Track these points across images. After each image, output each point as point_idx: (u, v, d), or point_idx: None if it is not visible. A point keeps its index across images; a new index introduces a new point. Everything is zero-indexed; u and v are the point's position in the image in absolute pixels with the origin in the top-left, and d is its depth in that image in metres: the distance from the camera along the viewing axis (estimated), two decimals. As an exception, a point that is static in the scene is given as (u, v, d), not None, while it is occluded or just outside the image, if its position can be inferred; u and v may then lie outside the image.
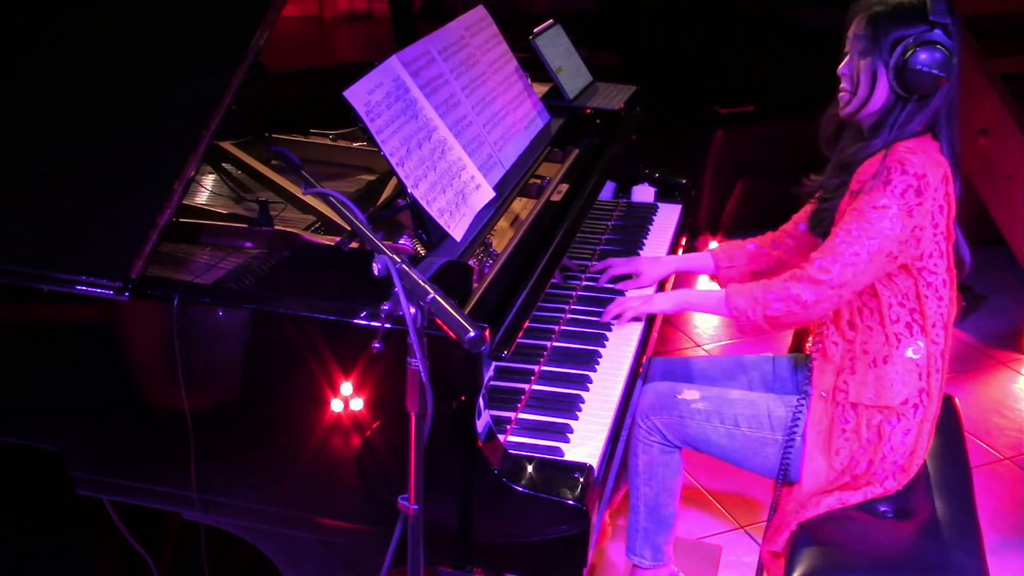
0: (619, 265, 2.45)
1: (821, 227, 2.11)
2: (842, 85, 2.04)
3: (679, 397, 2.17)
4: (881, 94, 1.97)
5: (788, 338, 2.70)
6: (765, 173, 4.63)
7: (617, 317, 2.24)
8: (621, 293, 2.39)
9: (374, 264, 1.49)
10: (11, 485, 2.55)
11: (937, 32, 1.90)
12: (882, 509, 2.05)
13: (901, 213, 1.91)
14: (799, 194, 2.23)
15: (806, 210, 2.29)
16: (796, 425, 2.09)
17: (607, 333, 2.21)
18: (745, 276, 2.43)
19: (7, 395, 1.93)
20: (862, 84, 1.98)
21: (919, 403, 2.03)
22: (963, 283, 4.23)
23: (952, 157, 1.98)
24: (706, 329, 4.04)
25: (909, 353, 2.02)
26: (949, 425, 2.29)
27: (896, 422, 2.02)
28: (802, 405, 2.10)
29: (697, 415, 2.15)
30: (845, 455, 2.04)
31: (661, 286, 2.47)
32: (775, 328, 2.07)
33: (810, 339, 2.23)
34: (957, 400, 2.38)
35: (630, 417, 2.16)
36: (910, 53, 1.90)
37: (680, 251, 2.81)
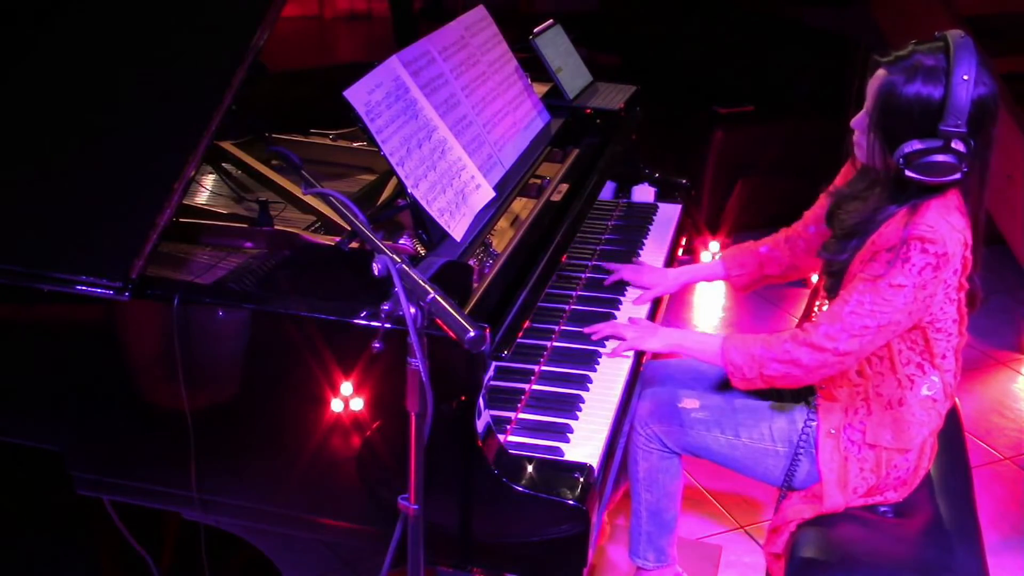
0: (627, 272, 2.42)
1: (830, 285, 2.03)
2: (855, 135, 1.95)
3: (679, 406, 2.16)
4: (891, 166, 1.87)
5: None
6: (765, 173, 4.64)
7: (606, 338, 2.17)
8: (621, 294, 2.39)
9: (374, 264, 1.49)
10: (11, 485, 2.55)
11: (952, 143, 1.78)
12: (883, 509, 2.05)
13: (915, 289, 1.83)
14: (820, 191, 2.16)
15: (815, 212, 2.25)
16: (803, 440, 2.07)
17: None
18: (756, 280, 2.41)
19: (7, 395, 1.93)
20: (873, 154, 1.89)
21: None
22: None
23: (974, 214, 1.89)
24: (706, 330, 4.04)
25: (924, 391, 1.97)
26: (949, 425, 2.28)
27: None
28: (808, 430, 2.07)
29: (698, 424, 2.14)
30: (862, 490, 2.03)
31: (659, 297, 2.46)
32: (770, 386, 2.01)
33: None
34: (957, 400, 2.38)
35: (630, 417, 2.16)
36: (912, 160, 1.80)
37: (680, 251, 2.81)
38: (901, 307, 1.85)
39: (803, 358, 1.93)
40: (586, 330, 2.18)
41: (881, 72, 1.86)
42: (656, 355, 2.26)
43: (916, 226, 1.83)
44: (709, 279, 2.52)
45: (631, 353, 2.14)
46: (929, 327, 1.94)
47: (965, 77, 1.79)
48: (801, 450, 2.07)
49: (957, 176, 1.82)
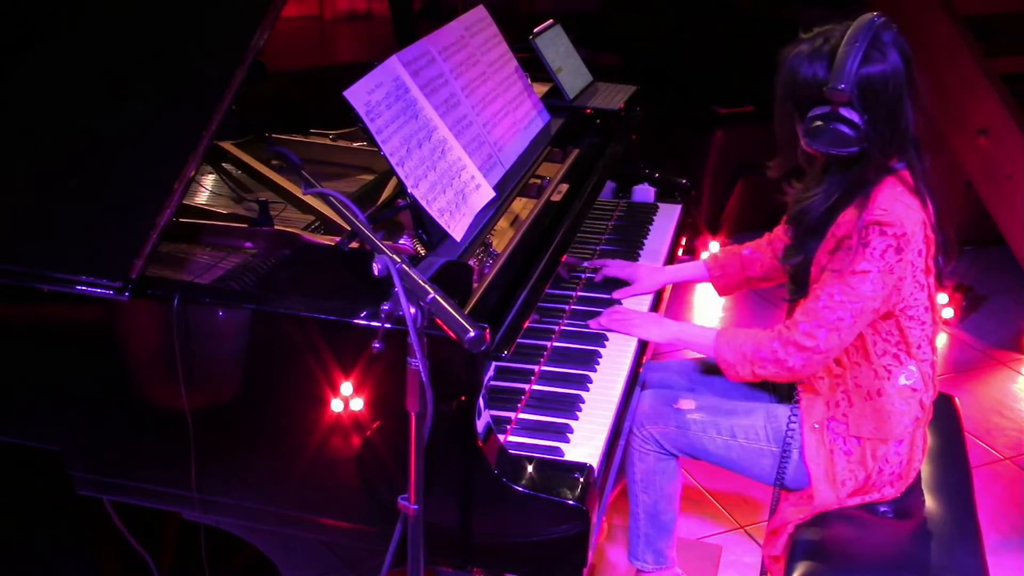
0: (614, 268, 2.43)
1: (795, 278, 2.07)
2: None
3: (675, 407, 2.17)
4: (815, 151, 1.91)
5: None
6: (765, 173, 4.63)
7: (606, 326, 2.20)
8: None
9: (374, 264, 1.49)
10: (11, 485, 2.55)
11: (839, 110, 1.81)
12: (882, 509, 2.05)
13: (882, 273, 1.86)
14: (784, 201, 2.21)
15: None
16: (790, 438, 2.08)
17: (607, 333, 2.21)
18: (740, 282, 2.41)
19: (7, 395, 1.93)
20: (792, 142, 1.95)
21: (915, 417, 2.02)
22: (963, 283, 4.25)
23: (924, 185, 1.92)
24: (706, 329, 4.04)
25: (902, 380, 1.99)
26: (949, 425, 2.28)
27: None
28: (795, 417, 2.08)
29: (693, 425, 2.14)
30: (852, 484, 2.03)
31: (659, 296, 2.46)
32: (762, 380, 2.05)
33: None
34: (957, 400, 2.38)
35: (630, 417, 2.16)
36: (813, 135, 1.85)
37: (680, 251, 2.81)
38: (870, 294, 1.88)
39: (789, 359, 1.96)
40: (591, 323, 2.21)
41: (783, 66, 1.93)
42: (656, 352, 2.26)
43: (870, 211, 1.87)
44: (691, 280, 2.52)
45: (631, 352, 2.14)
46: (902, 315, 1.96)
47: (849, 51, 1.81)
48: (789, 447, 2.07)
49: (855, 149, 1.85)
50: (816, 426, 2.04)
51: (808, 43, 1.91)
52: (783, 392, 2.25)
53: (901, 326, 1.97)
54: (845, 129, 1.83)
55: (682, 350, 2.31)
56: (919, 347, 1.99)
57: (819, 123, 1.85)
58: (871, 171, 1.90)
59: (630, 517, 2.29)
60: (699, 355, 2.32)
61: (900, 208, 1.86)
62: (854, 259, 1.87)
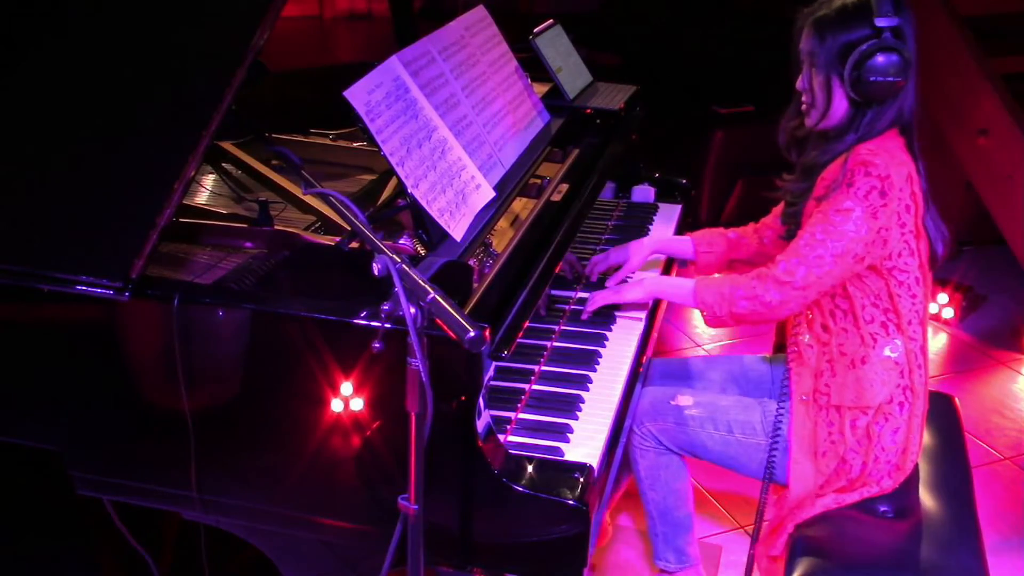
0: (602, 261, 2.44)
1: (790, 231, 2.11)
2: (803, 98, 2.04)
3: (673, 403, 2.17)
4: (840, 105, 1.96)
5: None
6: (765, 173, 4.62)
7: (597, 311, 2.24)
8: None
9: (374, 264, 1.49)
10: (11, 485, 2.55)
11: (886, 36, 1.87)
12: (882, 509, 2.05)
13: (865, 215, 1.89)
14: (774, 197, 2.22)
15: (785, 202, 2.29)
16: (779, 429, 2.08)
17: (607, 333, 2.21)
18: (723, 263, 2.43)
19: (7, 395, 1.93)
20: (819, 97, 1.97)
21: (904, 400, 2.02)
22: (963, 283, 4.25)
23: (916, 152, 1.97)
24: (706, 329, 4.04)
25: (887, 352, 2.01)
26: (949, 425, 2.29)
27: (884, 422, 2.02)
28: (783, 409, 2.08)
29: (691, 421, 2.15)
30: (831, 457, 2.04)
31: (668, 270, 2.47)
32: (740, 324, 2.07)
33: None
34: (957, 400, 2.38)
35: (630, 417, 2.16)
36: (862, 64, 1.88)
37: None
38: (852, 233, 1.90)
39: (766, 295, 1.98)
40: (584, 315, 2.24)
41: (811, 27, 1.97)
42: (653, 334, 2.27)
43: (856, 154, 1.92)
44: (677, 254, 2.50)
45: (631, 352, 2.14)
46: (890, 278, 1.97)
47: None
48: (778, 434, 2.07)
49: (902, 78, 1.88)
50: (804, 397, 2.07)
51: (824, 6, 1.95)
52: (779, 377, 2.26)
53: (891, 292, 1.98)
54: (893, 59, 1.87)
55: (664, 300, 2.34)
56: (910, 323, 2.01)
57: (872, 54, 1.87)
58: (890, 117, 1.94)
59: (646, 518, 2.30)
60: (695, 355, 2.32)
61: (885, 155, 1.91)
62: (838, 197, 1.91)
